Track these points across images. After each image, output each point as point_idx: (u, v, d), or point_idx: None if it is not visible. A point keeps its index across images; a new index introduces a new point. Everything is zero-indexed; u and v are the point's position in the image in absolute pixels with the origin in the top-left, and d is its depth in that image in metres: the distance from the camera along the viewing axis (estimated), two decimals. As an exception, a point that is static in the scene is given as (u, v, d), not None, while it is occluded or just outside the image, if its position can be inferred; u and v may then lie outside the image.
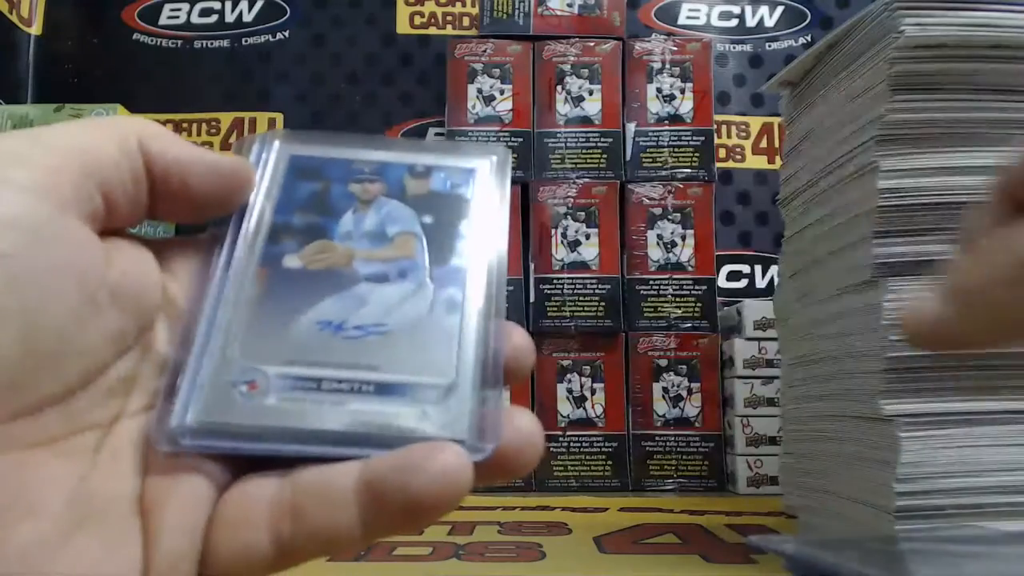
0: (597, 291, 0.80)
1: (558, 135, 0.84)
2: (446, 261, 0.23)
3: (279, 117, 0.98)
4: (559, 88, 0.85)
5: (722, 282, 0.96)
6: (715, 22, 1.00)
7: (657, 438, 0.79)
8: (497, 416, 0.19)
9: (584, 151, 0.84)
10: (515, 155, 0.84)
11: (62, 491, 0.17)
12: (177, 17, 0.99)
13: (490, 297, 0.22)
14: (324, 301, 0.21)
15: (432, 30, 1.00)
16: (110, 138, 0.20)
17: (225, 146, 0.97)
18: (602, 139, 0.84)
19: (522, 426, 0.19)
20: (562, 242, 0.81)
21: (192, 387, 0.19)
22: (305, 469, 0.18)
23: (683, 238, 0.82)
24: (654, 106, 0.86)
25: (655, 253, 0.82)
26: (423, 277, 0.22)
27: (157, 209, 0.21)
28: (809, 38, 0.99)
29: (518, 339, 0.21)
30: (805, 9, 0.99)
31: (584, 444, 0.78)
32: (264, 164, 0.24)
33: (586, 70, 0.85)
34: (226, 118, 0.98)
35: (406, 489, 0.17)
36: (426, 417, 0.19)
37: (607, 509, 0.66)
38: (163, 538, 0.18)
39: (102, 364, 0.19)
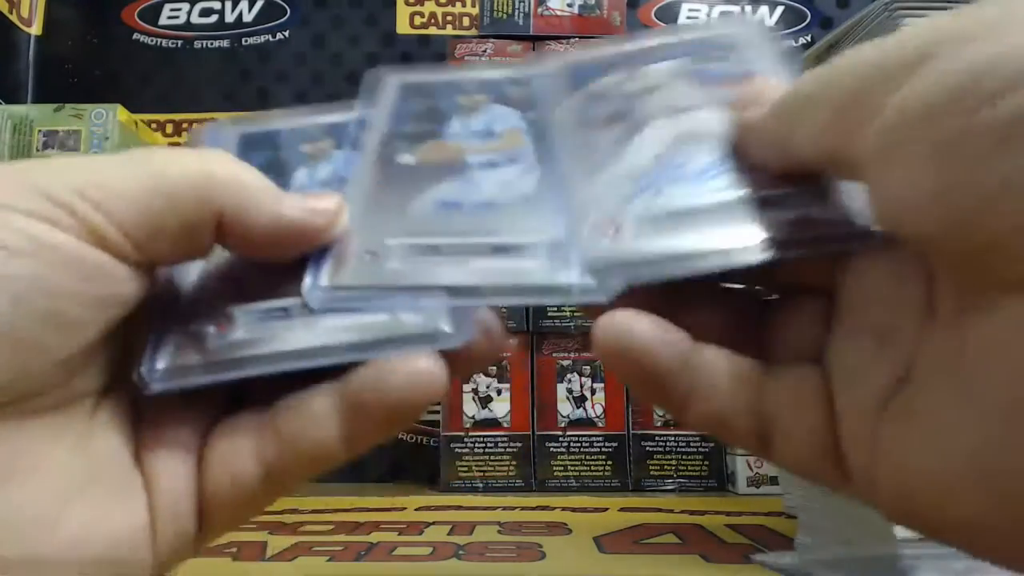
0: (597, 291, 0.80)
1: (558, 135, 0.84)
2: (550, 147, 0.24)
3: (279, 117, 0.98)
4: (559, 88, 0.85)
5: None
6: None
7: (657, 438, 0.79)
8: (467, 309, 0.20)
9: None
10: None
11: (67, 451, 0.18)
12: (177, 17, 0.99)
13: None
14: (440, 184, 0.23)
15: (432, 30, 1.00)
16: (168, 203, 0.19)
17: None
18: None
19: (486, 319, 0.20)
20: (562, 242, 0.81)
21: (162, 336, 0.20)
22: (287, 396, 0.19)
23: (683, 238, 0.82)
24: (654, 106, 0.86)
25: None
26: (532, 160, 0.23)
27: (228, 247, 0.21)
28: (809, 38, 0.99)
29: None
30: (805, 9, 0.99)
31: (584, 444, 0.78)
32: (377, 96, 0.26)
33: (586, 70, 0.85)
34: (226, 118, 0.98)
35: (379, 390, 0.18)
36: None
37: (607, 509, 0.66)
38: (160, 484, 0.19)
39: (99, 346, 0.19)
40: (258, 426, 0.19)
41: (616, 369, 0.19)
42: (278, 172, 0.24)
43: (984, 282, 0.15)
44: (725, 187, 0.21)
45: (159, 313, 0.21)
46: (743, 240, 0.19)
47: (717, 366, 0.19)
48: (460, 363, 0.20)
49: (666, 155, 0.22)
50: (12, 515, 0.17)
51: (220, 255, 0.22)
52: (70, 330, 0.18)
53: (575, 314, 0.79)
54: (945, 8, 0.41)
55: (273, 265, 0.21)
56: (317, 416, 0.19)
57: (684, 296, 0.20)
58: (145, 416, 0.20)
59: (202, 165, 0.19)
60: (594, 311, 0.19)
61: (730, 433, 0.19)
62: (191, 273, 0.21)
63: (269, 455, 0.19)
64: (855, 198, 0.20)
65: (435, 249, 0.21)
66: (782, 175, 0.20)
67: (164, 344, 0.20)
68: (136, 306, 0.20)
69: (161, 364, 0.19)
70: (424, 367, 0.18)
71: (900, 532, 0.37)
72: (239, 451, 0.19)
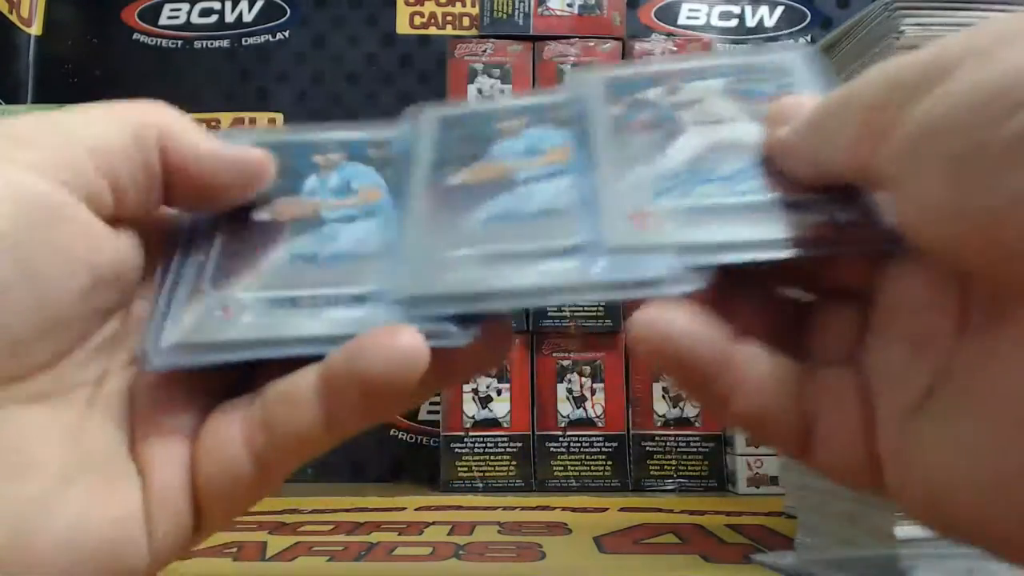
0: (597, 291, 0.80)
1: (558, 135, 0.84)
2: (590, 153, 0.23)
3: (279, 117, 0.98)
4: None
5: (722, 282, 0.96)
6: (715, 22, 1.00)
7: (657, 438, 0.79)
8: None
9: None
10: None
11: (59, 441, 0.18)
12: (177, 17, 0.99)
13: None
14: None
15: (432, 30, 1.00)
16: (125, 128, 0.20)
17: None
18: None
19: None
20: (562, 242, 0.81)
21: (166, 314, 0.20)
22: (273, 382, 0.19)
23: (683, 238, 0.82)
24: (654, 106, 0.86)
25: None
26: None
27: (172, 199, 0.21)
28: (809, 38, 0.99)
29: None
30: (805, 9, 0.99)
31: (584, 444, 0.78)
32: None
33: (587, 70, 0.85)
34: (226, 118, 0.98)
35: (352, 370, 0.18)
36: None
37: (607, 509, 0.66)
38: (155, 475, 0.19)
39: (92, 330, 0.20)
40: (247, 413, 0.19)
41: (655, 363, 0.19)
42: (289, 178, 0.24)
43: (1006, 293, 0.15)
44: (754, 191, 0.21)
45: (163, 291, 0.21)
46: (771, 234, 0.20)
47: (759, 363, 0.19)
48: (461, 363, 0.20)
49: (699, 160, 0.22)
50: (6, 504, 0.17)
51: (225, 240, 0.22)
52: (45, 290, 0.17)
53: (575, 314, 0.79)
54: (946, 9, 0.41)
55: (275, 254, 0.21)
56: (299, 399, 0.18)
57: (724, 295, 0.20)
58: (140, 405, 0.20)
59: (146, 103, 0.21)
60: (632, 305, 0.19)
61: (769, 432, 0.19)
62: (196, 255, 0.22)
63: (258, 443, 0.19)
64: (884, 205, 0.20)
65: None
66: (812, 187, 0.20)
67: (168, 322, 0.20)
68: (117, 280, 0.20)
69: (164, 342, 0.20)
70: (402, 343, 0.18)
71: (900, 532, 0.37)
72: (229, 440, 0.19)
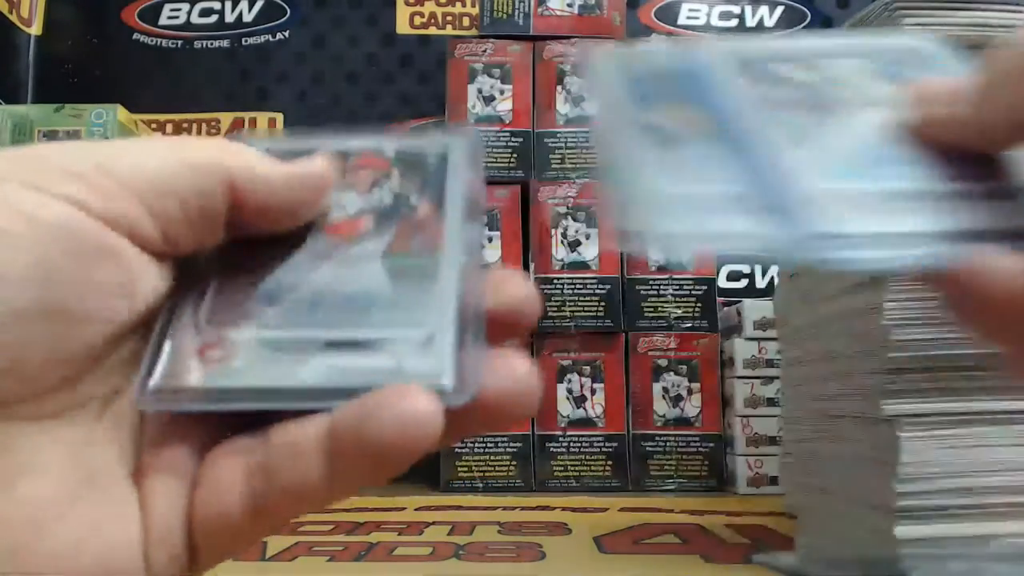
0: (597, 291, 0.80)
1: (558, 135, 0.84)
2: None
3: (279, 117, 0.98)
4: (559, 88, 0.85)
5: (722, 282, 0.96)
6: (715, 22, 1.00)
7: (657, 438, 0.79)
8: (478, 363, 0.18)
9: (584, 151, 0.84)
10: (515, 155, 0.84)
11: (66, 457, 0.18)
12: (177, 17, 0.99)
13: (469, 259, 0.21)
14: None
15: (432, 30, 1.00)
16: (183, 170, 0.19)
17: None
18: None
19: (514, 370, 0.18)
20: (562, 242, 0.81)
21: (161, 352, 0.19)
22: (280, 426, 0.18)
23: (683, 238, 0.82)
24: (654, 106, 0.86)
25: (655, 253, 0.82)
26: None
27: (242, 226, 0.21)
28: (809, 38, 0.99)
29: (514, 289, 0.20)
30: (805, 9, 0.99)
31: (584, 444, 0.78)
32: None
33: (586, 70, 0.85)
34: (226, 118, 0.98)
35: (365, 435, 0.17)
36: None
37: (607, 509, 0.66)
38: (155, 505, 0.18)
39: (110, 354, 0.19)
40: (250, 457, 0.18)
41: (982, 317, 0.19)
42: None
43: None
44: (927, 177, 0.21)
45: (161, 326, 0.20)
46: (953, 225, 0.20)
47: None
48: (464, 422, 0.18)
49: (864, 143, 0.22)
50: (7, 517, 0.16)
51: (226, 273, 0.21)
52: (71, 326, 0.17)
53: (575, 315, 0.79)
54: (945, 9, 0.41)
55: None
56: (303, 452, 0.17)
57: None
58: (148, 429, 0.19)
59: (212, 142, 0.20)
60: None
61: None
62: (196, 289, 0.21)
63: (257, 489, 0.18)
64: None
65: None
66: (978, 163, 0.20)
67: (160, 361, 0.19)
68: (151, 305, 0.19)
69: (153, 383, 0.19)
70: (414, 409, 0.17)
71: (900, 532, 0.37)
72: (229, 484, 0.18)
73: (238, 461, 0.18)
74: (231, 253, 0.21)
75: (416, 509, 0.65)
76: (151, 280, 0.19)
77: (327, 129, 0.24)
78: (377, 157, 0.24)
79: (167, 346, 0.19)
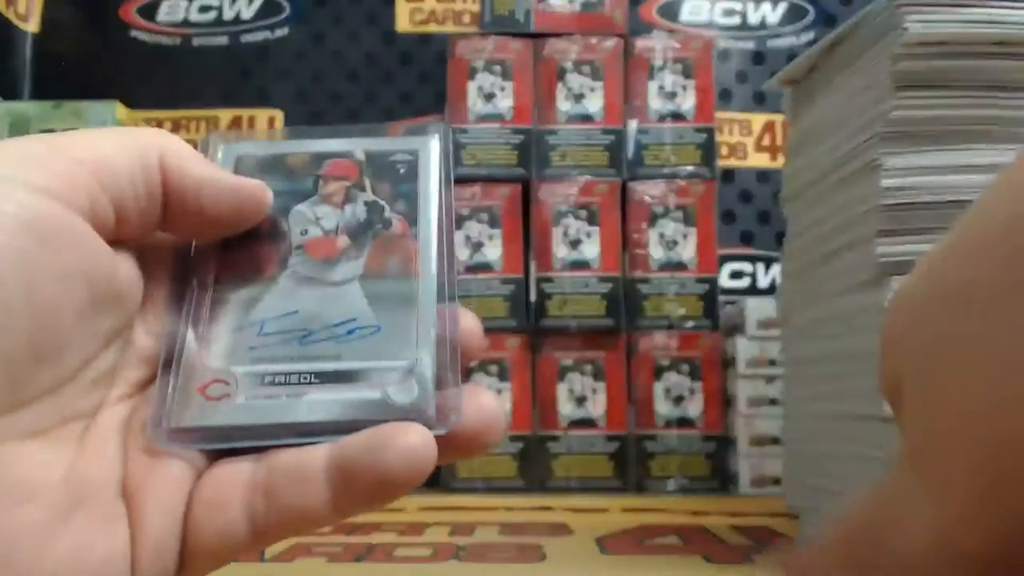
0: (598, 290, 0.80)
1: (559, 133, 0.84)
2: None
3: (278, 115, 0.98)
4: (560, 85, 0.84)
5: (724, 281, 0.95)
6: (717, 19, 0.99)
7: (659, 438, 0.78)
8: (457, 395, 0.20)
9: (585, 149, 0.83)
10: (516, 153, 0.83)
11: (55, 478, 0.18)
12: (175, 14, 0.99)
13: (442, 284, 0.22)
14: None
15: (432, 27, 0.99)
16: (130, 151, 0.20)
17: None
18: (603, 137, 0.83)
19: (483, 404, 0.20)
20: (563, 240, 0.81)
21: (167, 392, 0.20)
22: (279, 451, 0.20)
23: (685, 236, 0.82)
24: (656, 103, 0.85)
25: (657, 252, 0.82)
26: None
27: (169, 225, 0.22)
28: (812, 35, 0.98)
29: (466, 323, 0.22)
30: (807, 6, 0.99)
31: (585, 444, 0.77)
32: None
33: (587, 67, 0.85)
34: (225, 115, 0.98)
35: (374, 467, 0.19)
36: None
37: (608, 510, 0.65)
38: (146, 521, 0.19)
39: (91, 358, 0.19)
40: (252, 478, 0.19)
41: None
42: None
43: None
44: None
45: (163, 360, 0.21)
46: None
47: None
48: (446, 450, 0.20)
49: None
50: (2, 535, 0.17)
51: (217, 300, 0.22)
52: (46, 316, 0.18)
53: (576, 314, 0.79)
54: (949, 6, 0.41)
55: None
56: (308, 477, 0.19)
57: None
58: (137, 445, 0.20)
59: (150, 129, 0.21)
60: None
61: None
62: (190, 319, 0.21)
63: (258, 511, 0.19)
64: None
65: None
66: None
67: (168, 400, 0.20)
68: (115, 302, 0.20)
69: (166, 423, 0.20)
70: (416, 443, 0.19)
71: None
72: (229, 500, 0.19)
73: (239, 481, 0.19)
74: (219, 278, 0.22)
75: (416, 510, 0.65)
76: (111, 263, 0.19)
77: (297, 131, 0.25)
78: (348, 161, 0.24)
79: (171, 383, 0.20)
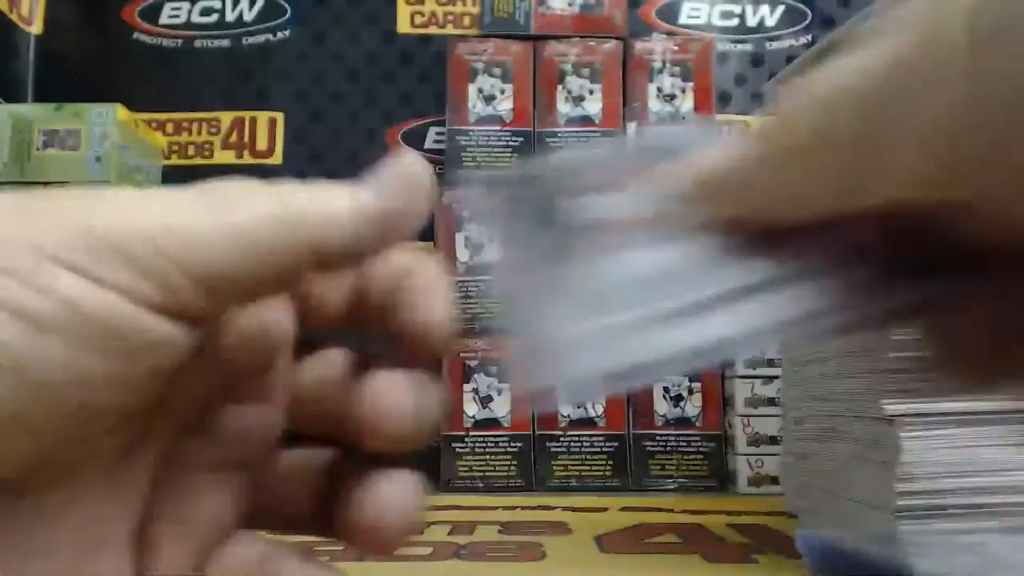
0: (598, 291, 0.80)
1: (559, 135, 0.84)
2: None
3: (280, 117, 0.98)
4: (560, 87, 0.85)
5: (723, 282, 0.95)
6: (716, 21, 0.99)
7: (658, 437, 0.78)
8: None
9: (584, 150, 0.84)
10: (516, 155, 0.84)
11: (70, 530, 0.17)
12: (177, 16, 0.99)
13: None
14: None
15: (432, 29, 0.99)
16: (247, 251, 0.16)
17: (225, 144, 0.98)
18: (603, 139, 0.84)
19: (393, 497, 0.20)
20: (563, 241, 0.81)
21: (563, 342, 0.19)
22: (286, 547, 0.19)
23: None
24: (655, 105, 0.86)
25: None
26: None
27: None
28: (810, 37, 0.99)
29: (426, 308, 0.19)
30: (806, 8, 0.99)
31: (584, 444, 0.78)
32: None
33: (587, 69, 0.85)
34: (226, 117, 0.98)
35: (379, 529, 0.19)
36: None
37: (607, 509, 0.66)
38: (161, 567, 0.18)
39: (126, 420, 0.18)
40: (261, 562, 0.19)
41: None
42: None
43: None
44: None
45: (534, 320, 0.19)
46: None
47: None
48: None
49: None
50: None
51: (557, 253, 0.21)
52: (98, 416, 0.16)
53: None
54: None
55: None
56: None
57: None
58: (163, 495, 0.19)
59: (279, 198, 0.17)
60: None
61: None
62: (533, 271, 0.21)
63: None
64: None
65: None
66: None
67: (568, 353, 0.18)
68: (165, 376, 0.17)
69: (581, 373, 0.18)
70: (412, 505, 0.19)
71: (901, 532, 0.37)
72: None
73: (252, 566, 0.19)
74: (546, 235, 0.21)
75: (416, 509, 0.65)
76: (178, 343, 0.16)
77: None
78: None
79: (561, 336, 0.19)
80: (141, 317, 0.15)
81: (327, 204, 0.17)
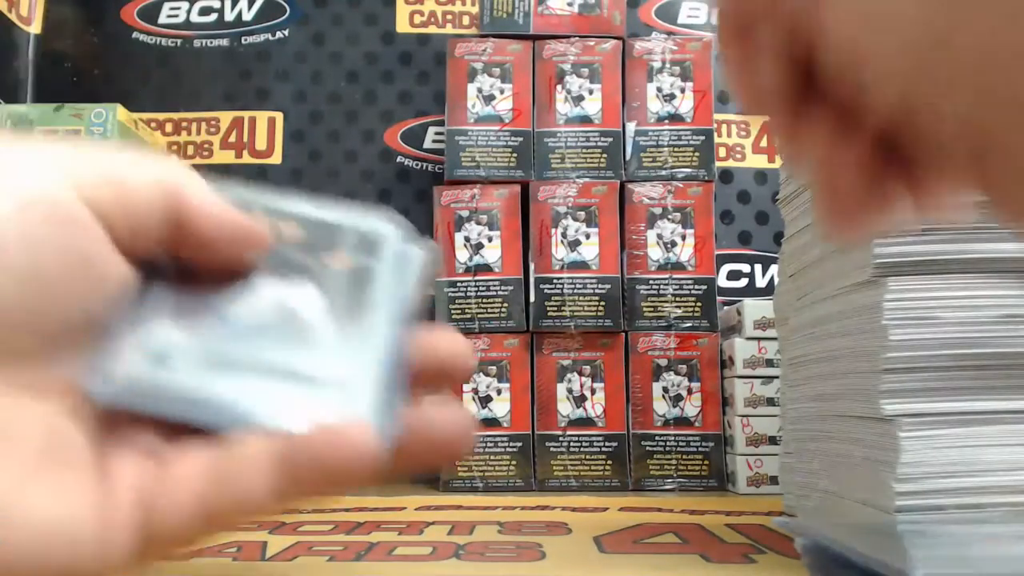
0: (597, 291, 0.80)
1: (558, 135, 0.84)
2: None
3: (279, 116, 0.98)
4: (559, 87, 0.85)
5: (722, 281, 0.96)
6: (715, 20, 0.99)
7: (657, 438, 0.79)
8: (399, 411, 0.21)
9: (584, 151, 0.84)
10: (515, 155, 0.84)
11: (39, 430, 0.19)
12: (176, 16, 0.99)
13: (393, 303, 0.23)
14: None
15: (432, 29, 0.99)
16: (149, 174, 0.21)
17: (224, 144, 0.98)
18: (602, 139, 0.84)
19: (448, 416, 0.21)
20: (562, 241, 0.81)
21: (112, 350, 0.21)
22: (236, 440, 0.20)
23: (683, 237, 0.82)
24: (654, 105, 0.86)
25: (655, 253, 0.82)
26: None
27: (173, 248, 0.22)
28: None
29: (447, 345, 0.23)
30: (805, 8, 0.99)
31: (584, 444, 0.78)
32: None
33: (586, 69, 0.85)
34: (225, 117, 0.98)
35: (321, 460, 0.19)
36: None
37: (607, 509, 0.66)
38: (116, 483, 0.19)
39: (77, 333, 0.20)
40: (210, 463, 0.20)
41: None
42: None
43: None
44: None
45: (115, 323, 0.21)
46: None
47: None
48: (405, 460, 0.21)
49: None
50: None
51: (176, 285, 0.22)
52: (49, 296, 0.19)
53: (575, 315, 0.79)
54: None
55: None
56: (252, 467, 0.19)
57: None
58: (117, 412, 0.21)
59: (171, 162, 0.22)
60: None
61: None
62: (148, 295, 0.22)
63: (210, 496, 0.19)
64: None
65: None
66: None
67: (109, 356, 0.21)
68: (110, 298, 0.21)
69: (101, 376, 0.20)
70: (361, 442, 0.19)
71: (900, 532, 0.37)
72: (182, 481, 0.19)
73: (198, 464, 0.20)
74: (185, 280, 0.23)
75: (416, 509, 0.65)
76: (115, 269, 0.20)
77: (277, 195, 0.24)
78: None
79: (117, 341, 0.21)
80: (72, 198, 0.19)
81: (205, 187, 0.22)
